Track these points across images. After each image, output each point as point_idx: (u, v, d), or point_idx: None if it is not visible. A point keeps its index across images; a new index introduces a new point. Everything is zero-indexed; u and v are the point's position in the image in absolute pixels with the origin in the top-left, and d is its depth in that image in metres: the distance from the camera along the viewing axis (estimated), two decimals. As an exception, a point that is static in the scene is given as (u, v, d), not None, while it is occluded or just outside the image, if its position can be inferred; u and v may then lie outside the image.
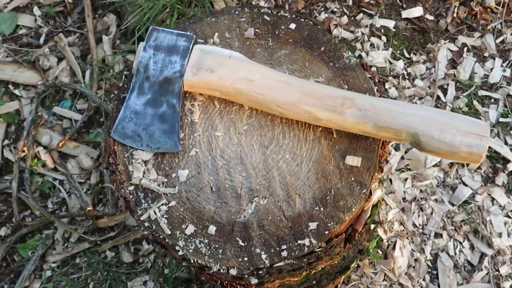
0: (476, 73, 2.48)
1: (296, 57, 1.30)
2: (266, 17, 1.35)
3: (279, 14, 1.34)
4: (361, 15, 2.60)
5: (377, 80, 1.25)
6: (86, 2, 2.57)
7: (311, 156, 1.20)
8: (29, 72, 2.49)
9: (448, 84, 2.46)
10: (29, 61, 2.51)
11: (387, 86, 2.47)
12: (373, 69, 2.48)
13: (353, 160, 1.19)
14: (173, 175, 1.20)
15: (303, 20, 1.34)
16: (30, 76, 2.49)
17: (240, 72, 1.19)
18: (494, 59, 2.51)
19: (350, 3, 2.62)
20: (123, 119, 1.22)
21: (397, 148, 2.33)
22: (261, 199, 1.17)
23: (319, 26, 1.33)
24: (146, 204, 1.18)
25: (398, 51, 2.54)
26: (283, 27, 1.33)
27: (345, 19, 2.58)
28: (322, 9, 2.61)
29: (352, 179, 1.19)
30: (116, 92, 2.44)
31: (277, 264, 1.13)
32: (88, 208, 2.22)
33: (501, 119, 2.38)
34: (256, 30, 1.33)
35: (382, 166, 1.30)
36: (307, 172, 1.19)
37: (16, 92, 2.47)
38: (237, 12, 1.36)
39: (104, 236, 2.22)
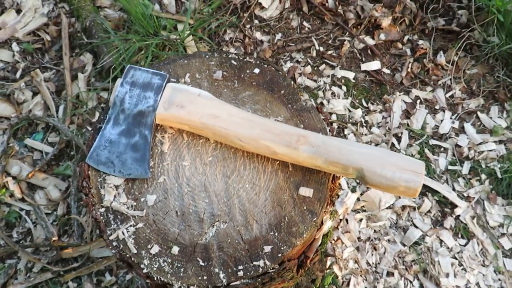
0: (427, 123, 2.68)
1: (258, 98, 1.44)
2: (233, 61, 1.50)
3: (245, 59, 1.50)
4: (323, 65, 2.80)
5: (329, 122, 1.40)
6: (64, 41, 2.70)
7: (268, 186, 1.33)
8: (4, 105, 2.56)
9: (402, 133, 2.65)
10: (4, 93, 2.60)
11: (346, 132, 2.64)
12: (333, 117, 2.66)
13: (305, 191, 1.32)
14: (142, 199, 1.31)
15: (266, 66, 1.49)
16: (4, 108, 2.56)
17: (208, 109, 1.33)
18: (444, 111, 2.72)
19: (314, 54, 2.82)
20: (98, 147, 1.33)
21: (353, 190, 2.48)
22: (221, 224, 1.28)
23: (280, 72, 1.48)
24: (115, 225, 1.27)
25: (357, 100, 2.73)
26: (248, 71, 1.48)
27: (308, 69, 2.77)
28: (288, 58, 2.80)
29: (304, 208, 1.31)
30: (88, 127, 2.53)
31: (233, 283, 1.23)
32: (54, 238, 2.25)
33: (449, 167, 2.57)
34: (224, 72, 1.48)
35: (333, 200, 1.44)
36: (264, 201, 1.31)
37: (-10, 123, 2.54)
38: (207, 56, 1.51)
39: (68, 266, 2.25)
